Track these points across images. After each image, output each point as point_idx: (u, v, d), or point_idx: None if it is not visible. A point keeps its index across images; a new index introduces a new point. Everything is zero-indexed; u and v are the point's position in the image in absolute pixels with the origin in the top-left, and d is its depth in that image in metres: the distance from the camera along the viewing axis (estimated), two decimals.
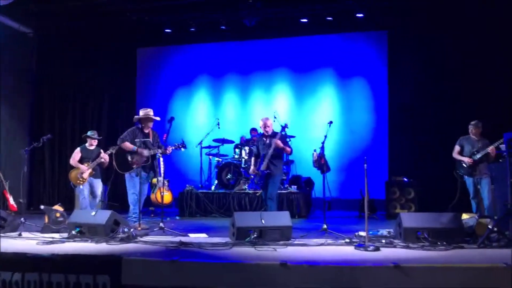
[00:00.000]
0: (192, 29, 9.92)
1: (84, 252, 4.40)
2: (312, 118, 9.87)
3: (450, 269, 3.48)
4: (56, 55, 10.10)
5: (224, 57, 10.36)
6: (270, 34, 9.89)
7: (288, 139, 8.59)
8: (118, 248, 4.69)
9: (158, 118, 6.41)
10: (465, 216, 4.97)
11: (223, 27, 9.86)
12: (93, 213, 5.44)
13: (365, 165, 4.77)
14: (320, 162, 5.67)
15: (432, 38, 8.63)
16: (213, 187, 8.63)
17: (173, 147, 6.14)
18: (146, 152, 6.16)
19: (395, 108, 9.05)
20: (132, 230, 5.21)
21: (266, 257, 4.07)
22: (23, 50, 9.83)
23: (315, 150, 5.97)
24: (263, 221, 4.94)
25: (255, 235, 4.82)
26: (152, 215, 8.26)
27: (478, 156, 6.44)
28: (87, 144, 7.10)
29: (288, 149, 6.34)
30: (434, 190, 8.03)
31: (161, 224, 5.77)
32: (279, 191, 7.99)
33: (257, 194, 7.92)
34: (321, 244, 4.72)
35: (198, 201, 8.32)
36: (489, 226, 4.73)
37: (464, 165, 6.57)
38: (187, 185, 8.57)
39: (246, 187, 8.35)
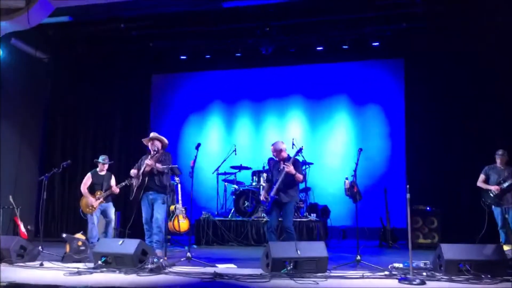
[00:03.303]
0: (207, 56, 9.97)
1: (116, 285, 4.23)
2: (326, 145, 9.82)
3: None
4: (71, 81, 10.06)
5: (238, 83, 10.38)
6: (285, 61, 9.92)
7: (306, 166, 8.53)
8: (150, 280, 4.52)
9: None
10: (506, 247, 4.84)
11: (238, 54, 9.92)
12: (120, 242, 5.26)
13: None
14: (353, 191, 5.56)
15: (449, 65, 8.67)
16: (230, 215, 8.46)
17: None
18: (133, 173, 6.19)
19: (413, 136, 9.00)
20: (161, 260, 5.04)
21: None
22: (38, 76, 9.76)
23: (347, 178, 5.85)
24: (298, 252, 4.80)
25: (291, 266, 4.67)
26: (169, 243, 8.04)
27: (506, 184, 6.38)
28: (98, 169, 7.02)
29: (300, 176, 5.79)
30: (457, 219, 7.92)
31: (188, 254, 5.59)
32: (298, 219, 7.86)
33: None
34: (362, 277, 4.56)
35: (215, 229, 8.14)
36: None
37: (491, 194, 6.51)
38: (203, 212, 8.40)
39: (264, 215, 8.19)
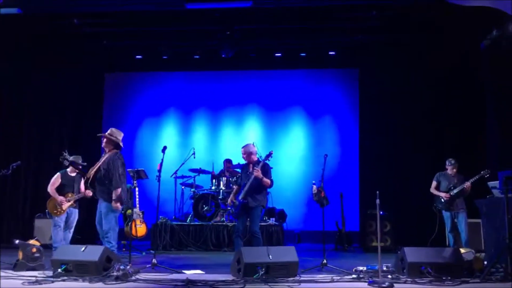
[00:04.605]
0: (165, 57, 9.79)
1: None
2: (282, 150, 9.95)
3: None
4: (19, 76, 9.38)
5: (196, 86, 10.28)
6: (244, 66, 10.00)
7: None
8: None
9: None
10: (462, 251, 5.17)
11: (197, 57, 9.84)
12: (83, 248, 5.00)
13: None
14: (320, 196, 5.68)
15: (402, 76, 9.15)
16: (188, 219, 8.33)
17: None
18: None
19: (366, 143, 9.37)
20: (128, 267, 4.86)
21: None
22: None
23: (314, 183, 5.96)
24: (270, 256, 4.83)
25: (263, 271, 4.68)
26: (124, 249, 7.75)
27: (455, 191, 6.80)
28: (68, 170, 6.42)
29: (267, 181, 5.73)
30: (408, 223, 8.35)
31: (154, 260, 5.43)
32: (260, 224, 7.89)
33: None
34: (332, 281, 4.68)
35: (173, 234, 7.98)
36: (485, 261, 4.97)
37: (442, 200, 6.91)
38: (160, 217, 8.19)
39: (224, 219, 8.16)
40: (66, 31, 8.83)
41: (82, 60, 9.60)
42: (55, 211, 6.20)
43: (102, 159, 5.58)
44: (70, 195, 6.28)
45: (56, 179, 6.34)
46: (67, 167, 6.37)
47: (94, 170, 5.53)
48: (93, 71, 9.91)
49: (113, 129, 5.73)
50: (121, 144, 5.67)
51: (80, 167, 6.26)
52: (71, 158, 6.19)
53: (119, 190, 5.37)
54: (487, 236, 5.71)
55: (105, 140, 5.63)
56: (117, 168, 5.42)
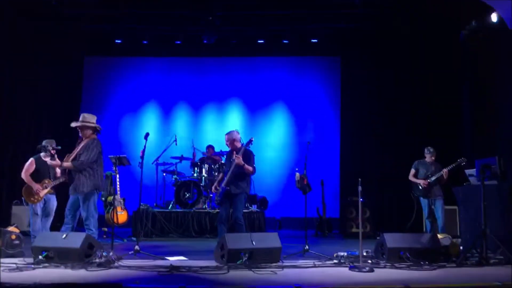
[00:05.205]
0: (145, 42, 9.65)
1: (68, 280, 4.00)
2: (263, 138, 9.98)
3: None
4: None
5: (178, 72, 10.18)
6: (227, 52, 9.92)
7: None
8: (104, 274, 4.32)
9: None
10: (439, 236, 5.32)
11: (178, 42, 9.72)
12: (64, 235, 4.95)
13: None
14: (303, 183, 5.73)
15: (383, 64, 9.25)
16: (170, 206, 8.31)
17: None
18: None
19: (347, 130, 9.49)
20: (110, 254, 4.84)
21: (275, 281, 4.01)
22: None
23: (297, 171, 6.01)
24: (254, 242, 4.87)
25: (246, 257, 4.73)
26: (105, 236, 7.70)
27: (433, 178, 6.97)
28: (42, 155, 6.17)
29: (249, 168, 5.73)
30: (387, 210, 8.53)
31: (136, 247, 5.42)
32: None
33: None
34: (314, 266, 4.76)
35: (154, 221, 7.95)
36: (461, 247, 5.13)
37: (419, 187, 7.07)
38: (141, 204, 8.12)
39: (205, 206, 8.17)
40: (42, 11, 8.59)
41: (59, 42, 9.34)
42: (32, 199, 5.96)
43: (80, 146, 5.49)
44: (46, 181, 6.03)
45: (30, 165, 6.06)
46: (41, 151, 6.19)
47: (71, 158, 5.44)
48: (70, 54, 9.66)
49: (85, 114, 5.63)
50: (98, 127, 5.60)
51: (54, 151, 5.96)
52: (44, 143, 6.04)
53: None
54: (463, 222, 5.89)
55: (80, 128, 5.54)
56: (90, 155, 5.39)
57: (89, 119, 5.59)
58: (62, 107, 9.54)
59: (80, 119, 5.59)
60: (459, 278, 4.20)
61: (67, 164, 5.48)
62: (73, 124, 5.60)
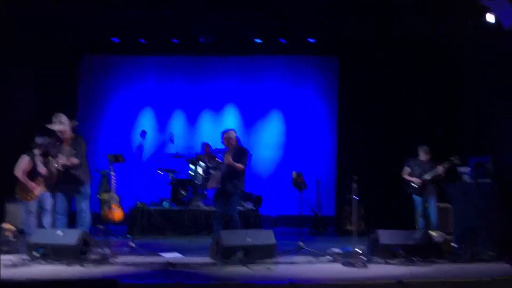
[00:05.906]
0: (142, 40, 9.63)
1: (66, 276, 4.03)
2: (259, 136, 10.03)
3: (449, 284, 3.77)
4: None
5: (175, 72, 10.18)
6: (224, 52, 9.91)
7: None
8: (99, 270, 4.36)
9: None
10: (432, 233, 5.39)
11: (176, 41, 9.71)
12: (60, 232, 4.98)
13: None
14: (298, 181, 5.79)
15: (380, 64, 9.25)
16: (163, 202, 8.32)
17: None
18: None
19: (343, 130, 9.51)
20: (106, 250, 4.88)
21: (269, 277, 4.06)
22: None
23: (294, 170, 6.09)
24: (249, 239, 4.92)
25: (241, 254, 4.77)
26: (100, 234, 7.70)
27: (427, 177, 7.02)
28: (36, 152, 6.03)
29: (239, 165, 5.77)
30: (381, 207, 8.57)
31: (131, 244, 5.46)
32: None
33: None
34: (309, 262, 4.82)
35: (150, 219, 7.97)
36: (453, 243, 5.21)
37: (414, 185, 7.12)
38: (137, 202, 8.16)
39: (201, 204, 8.20)
40: (36, 7, 8.53)
41: (55, 40, 9.30)
42: (26, 196, 5.89)
43: (66, 147, 5.41)
44: (41, 179, 5.98)
45: (25, 164, 5.97)
46: (34, 149, 6.10)
47: (62, 160, 5.43)
48: (67, 52, 9.63)
49: (54, 118, 5.41)
50: (73, 123, 5.52)
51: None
52: (37, 140, 6.03)
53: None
54: (456, 219, 5.95)
55: (59, 132, 5.40)
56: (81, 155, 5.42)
57: (60, 118, 5.43)
58: (58, 104, 9.52)
59: (61, 120, 5.41)
60: (451, 274, 4.26)
61: (74, 160, 5.40)
62: (56, 128, 5.38)
